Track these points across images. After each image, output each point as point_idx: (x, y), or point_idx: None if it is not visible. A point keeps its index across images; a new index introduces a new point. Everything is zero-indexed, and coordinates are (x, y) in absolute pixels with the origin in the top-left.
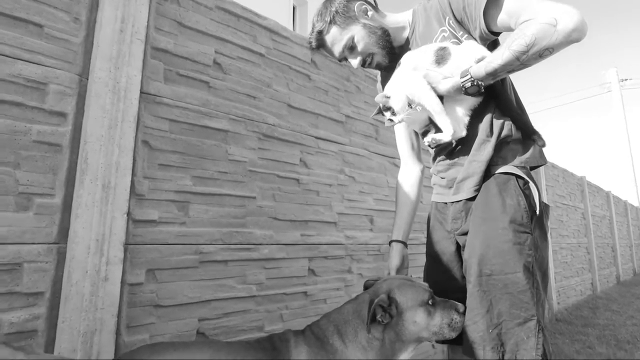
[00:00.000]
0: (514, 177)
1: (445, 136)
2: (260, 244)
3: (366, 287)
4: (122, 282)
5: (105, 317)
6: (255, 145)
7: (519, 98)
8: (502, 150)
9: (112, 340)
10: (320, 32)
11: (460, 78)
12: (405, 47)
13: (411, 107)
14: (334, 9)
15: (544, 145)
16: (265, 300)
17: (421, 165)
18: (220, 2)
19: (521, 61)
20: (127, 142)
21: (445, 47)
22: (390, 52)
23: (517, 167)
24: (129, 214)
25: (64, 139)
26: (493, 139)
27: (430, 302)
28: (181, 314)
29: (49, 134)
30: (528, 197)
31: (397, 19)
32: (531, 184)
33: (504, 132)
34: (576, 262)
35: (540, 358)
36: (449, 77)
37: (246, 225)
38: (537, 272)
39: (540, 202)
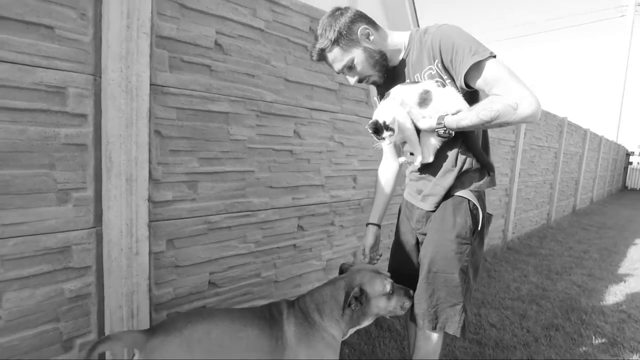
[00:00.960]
0: (466, 200)
1: (417, 161)
2: (257, 210)
3: (341, 270)
4: (149, 252)
5: (140, 281)
6: (253, 123)
7: (486, 137)
8: (461, 178)
9: (147, 296)
10: (322, 50)
11: (436, 123)
12: (399, 67)
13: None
14: (337, 28)
15: (493, 172)
16: (261, 254)
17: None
18: None
19: (485, 126)
20: (143, 138)
21: (428, 91)
22: (386, 72)
23: (471, 191)
24: (149, 198)
25: (87, 139)
26: (456, 170)
27: (390, 291)
28: (196, 271)
29: (75, 136)
30: (475, 216)
31: (395, 41)
32: (479, 206)
33: (466, 166)
34: (538, 197)
35: (459, 331)
36: (428, 117)
37: (246, 195)
38: (470, 270)
39: (484, 217)
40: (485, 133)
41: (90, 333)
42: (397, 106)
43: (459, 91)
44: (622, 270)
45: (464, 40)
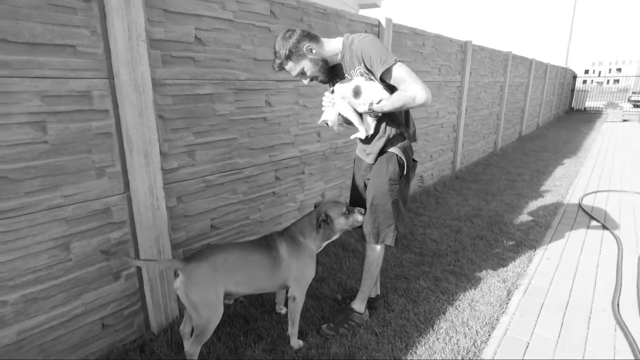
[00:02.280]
0: (395, 155)
1: (361, 135)
2: (243, 168)
3: (315, 206)
4: (166, 207)
5: (162, 228)
6: (232, 99)
7: (408, 113)
8: (391, 140)
9: (168, 239)
10: (280, 64)
11: (368, 108)
12: (338, 66)
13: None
14: (288, 47)
15: (410, 138)
16: (248, 201)
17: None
18: None
19: (397, 110)
20: (151, 122)
21: (359, 85)
22: (328, 72)
23: (398, 148)
24: (162, 168)
25: (111, 128)
26: (385, 136)
27: (346, 212)
28: (200, 218)
29: (102, 127)
30: (401, 165)
31: (332, 48)
32: (403, 158)
33: (392, 133)
34: (484, 129)
35: (394, 242)
36: (362, 104)
37: (232, 157)
38: (400, 202)
39: (409, 165)
40: (407, 114)
41: (131, 267)
42: (339, 101)
43: (380, 83)
44: (544, 188)
45: (376, 52)
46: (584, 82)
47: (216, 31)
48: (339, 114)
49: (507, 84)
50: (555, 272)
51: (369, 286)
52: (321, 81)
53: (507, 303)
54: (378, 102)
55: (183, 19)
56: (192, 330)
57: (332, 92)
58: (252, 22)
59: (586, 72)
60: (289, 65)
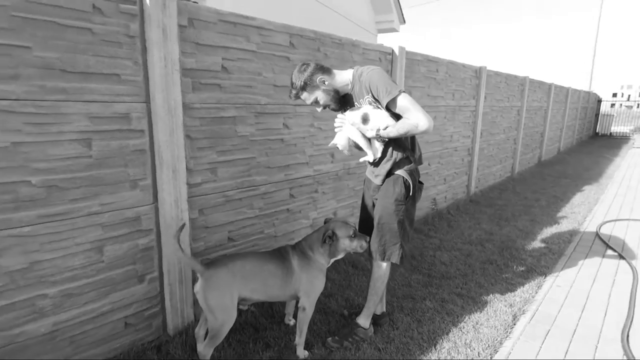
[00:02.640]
0: (401, 177)
1: (369, 159)
2: (260, 185)
3: (325, 222)
4: (189, 219)
5: (184, 238)
6: (253, 122)
7: (414, 138)
8: (398, 164)
9: (189, 248)
10: (296, 94)
11: (376, 134)
12: (348, 96)
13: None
14: (303, 79)
15: (416, 162)
16: (264, 216)
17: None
18: (220, 16)
19: (402, 136)
20: (180, 141)
21: (367, 113)
22: (339, 101)
23: (405, 170)
24: (187, 182)
25: (145, 146)
26: (392, 160)
27: (353, 235)
28: (218, 230)
29: (138, 144)
30: (407, 187)
31: (342, 78)
32: (409, 181)
33: (398, 157)
34: (501, 154)
35: (399, 260)
36: (370, 130)
37: (250, 175)
38: (405, 221)
39: (415, 187)
40: (413, 139)
41: (155, 271)
42: (349, 127)
43: (386, 112)
44: (560, 214)
45: (382, 83)
46: (612, 105)
47: (241, 61)
48: (349, 139)
49: (524, 108)
50: (565, 299)
51: (374, 302)
52: (332, 109)
53: (512, 328)
54: (385, 129)
55: (212, 50)
56: (206, 333)
57: (343, 113)
58: (273, 52)
59: (614, 95)
60: (304, 95)
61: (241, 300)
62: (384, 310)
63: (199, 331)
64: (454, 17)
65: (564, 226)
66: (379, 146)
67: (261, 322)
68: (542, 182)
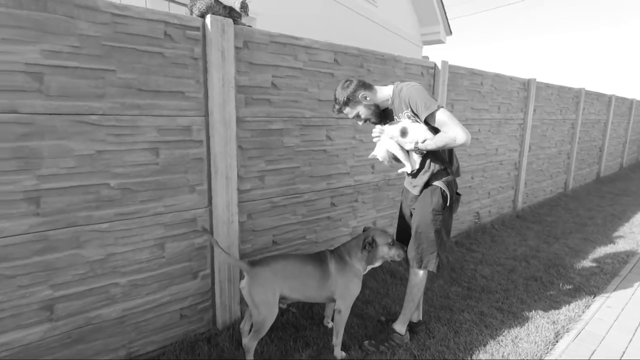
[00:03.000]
0: (439, 188)
1: (407, 170)
2: (303, 193)
3: (364, 230)
4: (239, 222)
5: (233, 239)
6: (298, 134)
7: (452, 151)
8: (435, 175)
9: (237, 249)
10: (339, 109)
11: (414, 146)
12: (388, 110)
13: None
14: (346, 95)
15: (453, 173)
16: (306, 223)
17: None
18: (272, 37)
19: (440, 149)
20: (233, 151)
21: (405, 127)
22: (380, 115)
23: (442, 182)
24: (238, 189)
25: (203, 155)
26: (430, 171)
27: (391, 243)
28: (264, 233)
29: (197, 154)
30: (445, 198)
31: (383, 94)
32: (447, 192)
33: (436, 168)
34: (552, 168)
35: (436, 268)
36: (409, 142)
37: (295, 183)
38: (442, 231)
39: (452, 198)
40: (451, 152)
41: (207, 269)
42: (388, 140)
43: (425, 126)
44: (617, 234)
45: (421, 99)
46: None
47: (289, 78)
48: (388, 151)
49: (579, 121)
50: (615, 321)
51: (411, 309)
52: (373, 122)
53: (553, 345)
54: (423, 142)
55: (263, 69)
56: (251, 328)
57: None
58: (318, 69)
59: None
60: (346, 110)
61: (281, 299)
62: (421, 318)
63: (244, 326)
64: (504, 28)
65: (620, 246)
66: (417, 158)
67: (301, 322)
68: (599, 200)
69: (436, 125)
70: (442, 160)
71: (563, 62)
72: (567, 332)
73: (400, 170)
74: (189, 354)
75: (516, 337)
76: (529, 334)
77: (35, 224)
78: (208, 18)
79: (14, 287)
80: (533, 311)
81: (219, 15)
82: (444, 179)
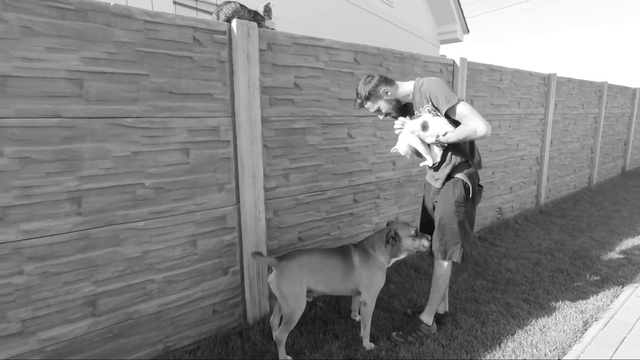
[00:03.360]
0: (461, 180)
1: (429, 163)
2: (326, 190)
3: (387, 224)
4: (265, 219)
5: (261, 235)
6: (320, 132)
7: (473, 144)
8: (457, 168)
9: (265, 245)
10: (361, 103)
11: (435, 139)
12: (409, 105)
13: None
14: (368, 90)
15: (475, 166)
16: (330, 219)
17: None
18: (294, 39)
19: (461, 141)
20: (259, 150)
21: (426, 121)
22: (400, 110)
23: (464, 174)
24: (264, 187)
25: (230, 154)
26: (451, 164)
27: (414, 235)
28: (290, 230)
29: (225, 153)
30: (467, 190)
31: (404, 89)
32: (469, 183)
33: (458, 161)
34: (575, 163)
35: (460, 259)
36: (430, 136)
37: (318, 180)
38: (466, 222)
39: (474, 190)
40: (472, 144)
41: (237, 265)
42: (409, 134)
43: (445, 119)
44: None
45: (442, 93)
46: None
47: (311, 78)
48: (409, 145)
49: (602, 115)
50: None
51: (437, 300)
52: (393, 117)
53: (582, 333)
54: (444, 135)
55: (286, 70)
56: (280, 321)
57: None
58: (339, 69)
59: None
60: (368, 105)
61: (307, 292)
62: (447, 310)
63: (274, 320)
64: (522, 24)
65: None
66: (437, 151)
67: (329, 316)
68: (625, 193)
69: (457, 118)
70: (464, 152)
71: (582, 57)
72: (596, 320)
73: (422, 164)
74: (223, 348)
75: (544, 327)
76: (556, 323)
77: (78, 222)
78: (234, 22)
79: (60, 283)
80: (560, 302)
81: (244, 19)
82: (465, 171)
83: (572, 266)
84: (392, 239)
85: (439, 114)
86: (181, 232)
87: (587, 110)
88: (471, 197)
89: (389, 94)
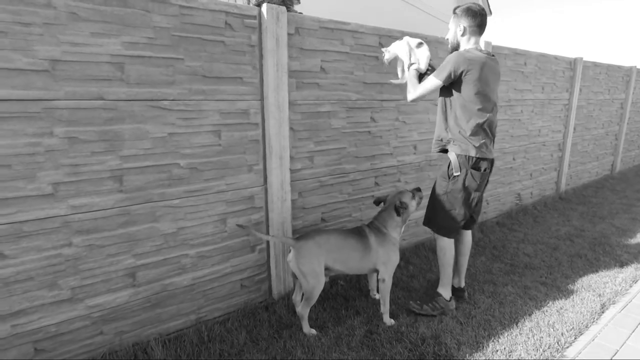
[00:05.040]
0: (449, 159)
1: (399, 77)
2: (349, 173)
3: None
4: (291, 200)
5: (286, 215)
6: (344, 116)
7: (481, 126)
8: (450, 143)
9: (290, 225)
10: (454, 10)
11: (410, 62)
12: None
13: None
14: (465, 13)
15: (477, 149)
16: (352, 201)
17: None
18: (321, 23)
19: (409, 86)
20: (286, 133)
21: (421, 43)
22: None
23: (455, 154)
24: (290, 168)
25: (259, 137)
26: (443, 138)
27: (413, 195)
28: (313, 211)
29: (253, 135)
30: (451, 168)
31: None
32: (453, 164)
33: (450, 138)
34: (598, 150)
35: (447, 235)
36: (412, 57)
37: (341, 163)
38: (449, 197)
39: (465, 173)
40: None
41: (263, 243)
42: (405, 44)
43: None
44: None
45: (443, 63)
46: None
47: (336, 62)
48: (397, 51)
49: (629, 101)
50: None
51: (447, 273)
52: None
53: (600, 315)
54: (410, 65)
55: (313, 54)
56: (302, 297)
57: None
58: (364, 53)
59: None
60: (451, 20)
61: (325, 270)
62: (462, 285)
63: (296, 297)
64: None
65: None
66: (407, 75)
67: (350, 293)
68: None
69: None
70: (461, 130)
71: (612, 40)
72: (613, 303)
73: (391, 80)
74: (250, 319)
75: (561, 308)
76: (574, 305)
77: (119, 199)
78: (264, 7)
79: (104, 255)
80: (578, 285)
81: (274, 3)
82: (459, 151)
83: (591, 252)
84: (402, 209)
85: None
86: (212, 210)
87: (613, 96)
88: (457, 177)
89: (465, 30)
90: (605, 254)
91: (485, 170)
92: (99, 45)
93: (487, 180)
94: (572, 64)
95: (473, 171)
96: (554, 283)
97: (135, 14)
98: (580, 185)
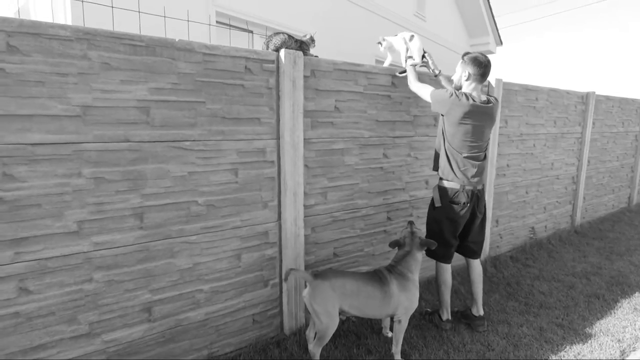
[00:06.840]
0: (436, 188)
1: (387, 62)
2: (361, 208)
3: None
4: (304, 235)
5: (299, 251)
6: (357, 152)
7: (456, 163)
8: (439, 178)
9: (303, 260)
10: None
11: (407, 56)
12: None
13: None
14: (472, 63)
15: (450, 181)
16: (364, 236)
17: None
18: (336, 65)
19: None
20: (300, 170)
21: (413, 36)
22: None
23: (436, 185)
24: (304, 204)
25: (274, 174)
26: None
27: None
28: (326, 246)
29: (269, 173)
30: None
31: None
32: (434, 194)
33: (440, 172)
34: (613, 182)
35: (437, 258)
36: (407, 51)
37: (353, 199)
38: (435, 226)
39: (442, 202)
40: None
41: (276, 278)
42: (401, 38)
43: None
44: None
45: (442, 94)
46: None
47: (350, 101)
48: (393, 42)
49: None
50: None
51: (442, 296)
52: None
53: None
54: (411, 61)
55: (328, 94)
56: (315, 335)
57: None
58: (376, 92)
59: None
60: (459, 64)
61: (340, 312)
62: (481, 313)
63: (309, 333)
64: (559, 38)
65: None
66: (406, 67)
67: (362, 331)
68: None
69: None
70: (440, 168)
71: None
72: (634, 350)
73: (398, 74)
74: (261, 355)
75: (579, 354)
76: (592, 351)
77: (140, 236)
78: (282, 52)
79: (122, 290)
80: (596, 329)
81: (292, 48)
82: (439, 183)
83: (608, 292)
84: (431, 245)
85: (427, 63)
86: (228, 246)
87: (627, 129)
88: (438, 206)
89: (467, 76)
90: (623, 295)
91: (464, 203)
92: (128, 92)
93: (478, 210)
94: (584, 98)
95: (452, 204)
96: (571, 325)
97: (162, 62)
98: (596, 219)
